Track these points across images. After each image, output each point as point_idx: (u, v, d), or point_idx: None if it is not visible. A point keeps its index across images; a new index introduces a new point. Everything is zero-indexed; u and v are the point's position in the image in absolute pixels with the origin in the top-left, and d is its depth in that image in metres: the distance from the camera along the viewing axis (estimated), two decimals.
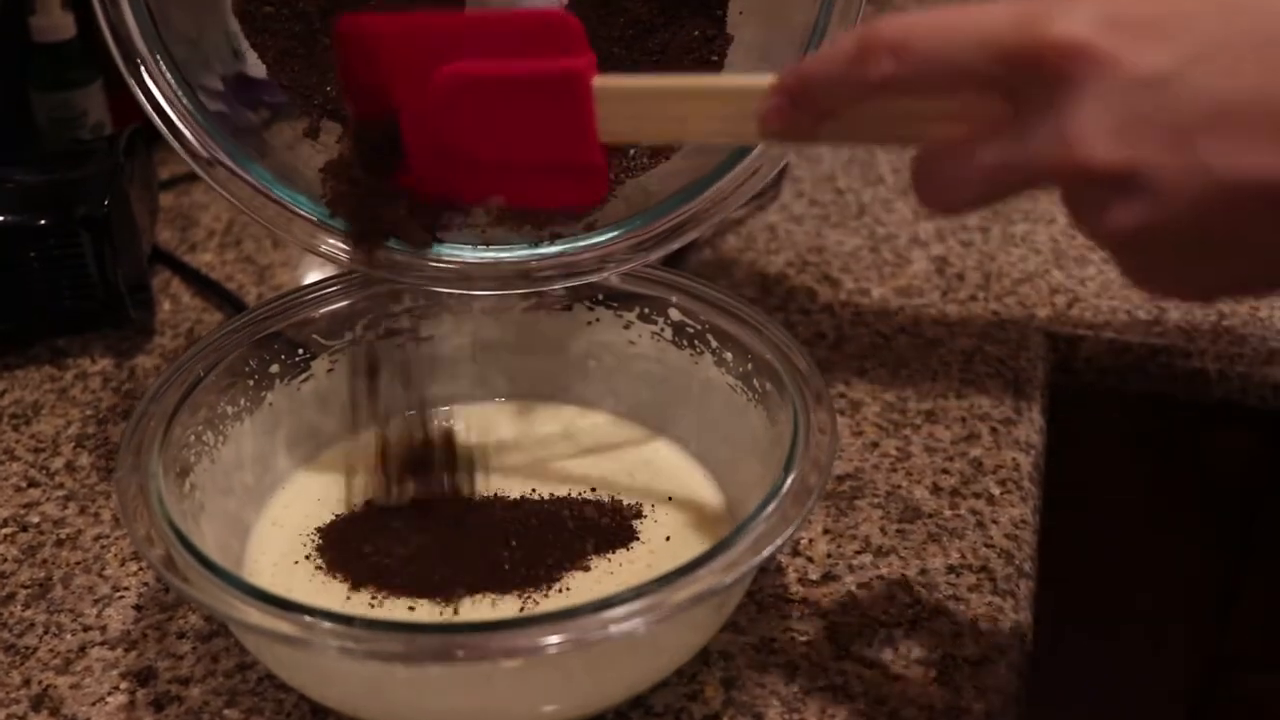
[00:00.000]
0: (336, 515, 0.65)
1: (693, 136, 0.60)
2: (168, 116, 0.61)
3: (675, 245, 0.65)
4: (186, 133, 0.61)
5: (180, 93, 0.61)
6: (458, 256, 0.65)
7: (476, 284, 0.65)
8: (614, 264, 0.65)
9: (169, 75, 0.60)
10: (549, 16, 0.58)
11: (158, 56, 0.60)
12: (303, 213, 0.63)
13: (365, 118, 0.61)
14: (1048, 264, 0.91)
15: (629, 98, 0.56)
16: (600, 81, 0.56)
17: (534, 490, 0.66)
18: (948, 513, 0.70)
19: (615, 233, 0.65)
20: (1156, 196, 0.42)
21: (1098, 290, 0.88)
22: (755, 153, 0.64)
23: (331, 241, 0.63)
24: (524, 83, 0.57)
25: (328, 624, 0.50)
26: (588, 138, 0.57)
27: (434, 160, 0.59)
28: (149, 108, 0.61)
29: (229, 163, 0.62)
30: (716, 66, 0.65)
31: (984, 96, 0.46)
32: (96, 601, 0.66)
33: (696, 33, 0.65)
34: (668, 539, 0.63)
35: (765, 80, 0.51)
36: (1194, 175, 0.42)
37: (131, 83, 0.60)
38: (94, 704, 0.60)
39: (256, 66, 0.63)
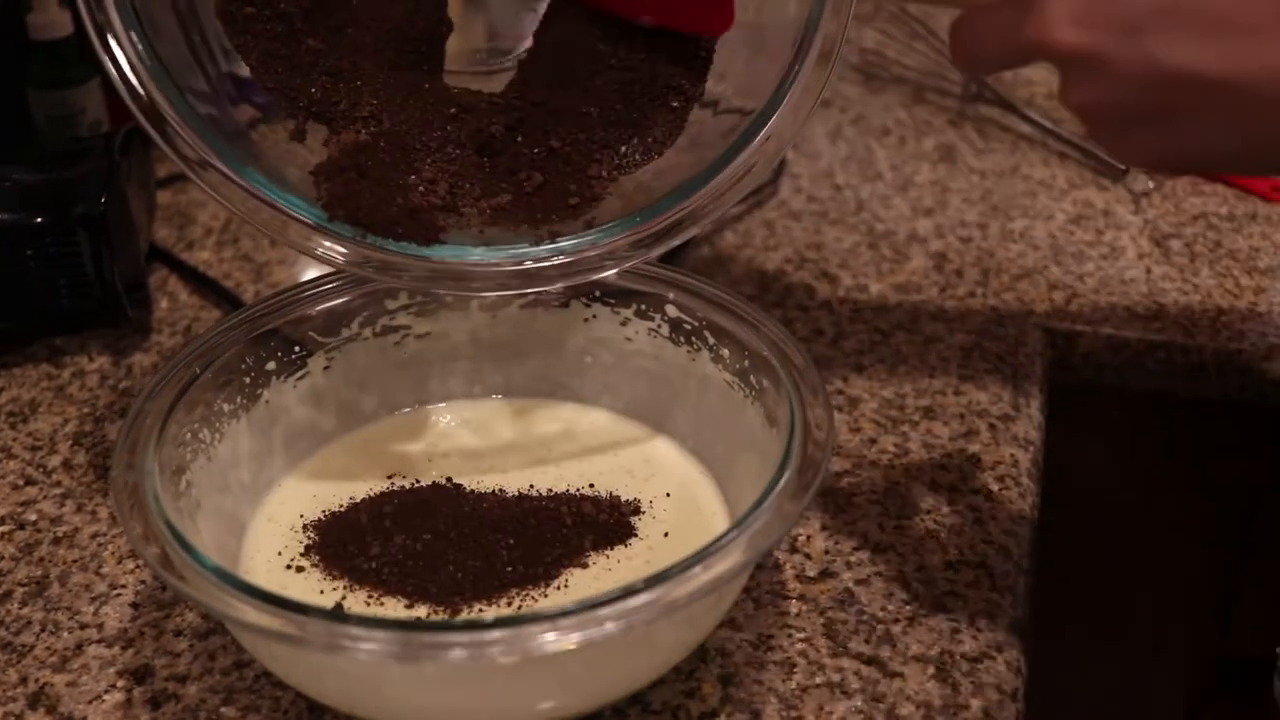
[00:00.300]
0: (333, 512, 0.65)
1: None
2: (158, 118, 0.61)
3: (676, 241, 0.65)
4: (177, 135, 0.61)
5: (170, 94, 0.60)
6: (458, 257, 0.64)
7: (476, 284, 0.65)
8: (615, 261, 0.65)
9: (158, 76, 0.60)
10: None
11: (144, 54, 0.60)
12: (297, 215, 0.63)
13: None
14: (1046, 260, 0.91)
15: None
16: None
17: (531, 487, 0.66)
18: (946, 509, 0.70)
19: (615, 230, 0.65)
20: (1108, 78, 0.51)
21: (1096, 286, 0.88)
22: (751, 148, 0.64)
23: (327, 244, 0.63)
24: None
25: (323, 622, 0.50)
26: None
27: None
28: (137, 110, 0.60)
29: (221, 166, 0.61)
30: (705, 63, 0.65)
31: None
32: (93, 599, 0.66)
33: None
34: (666, 535, 0.63)
35: None
36: (1140, 62, 0.50)
37: (119, 84, 0.60)
38: (91, 702, 0.60)
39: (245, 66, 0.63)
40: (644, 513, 0.65)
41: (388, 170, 0.60)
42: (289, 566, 0.62)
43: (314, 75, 0.63)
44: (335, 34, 0.62)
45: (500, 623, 0.51)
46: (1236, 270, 0.90)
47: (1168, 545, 0.97)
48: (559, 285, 0.66)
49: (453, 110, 0.63)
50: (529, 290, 0.68)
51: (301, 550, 0.63)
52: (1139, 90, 0.51)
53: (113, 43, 0.59)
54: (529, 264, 0.65)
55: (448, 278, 0.65)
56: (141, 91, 0.60)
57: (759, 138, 0.63)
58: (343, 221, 0.61)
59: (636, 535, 0.63)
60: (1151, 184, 1.00)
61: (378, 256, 0.63)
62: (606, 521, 0.64)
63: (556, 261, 0.64)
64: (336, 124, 0.62)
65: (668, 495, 0.66)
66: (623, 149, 0.65)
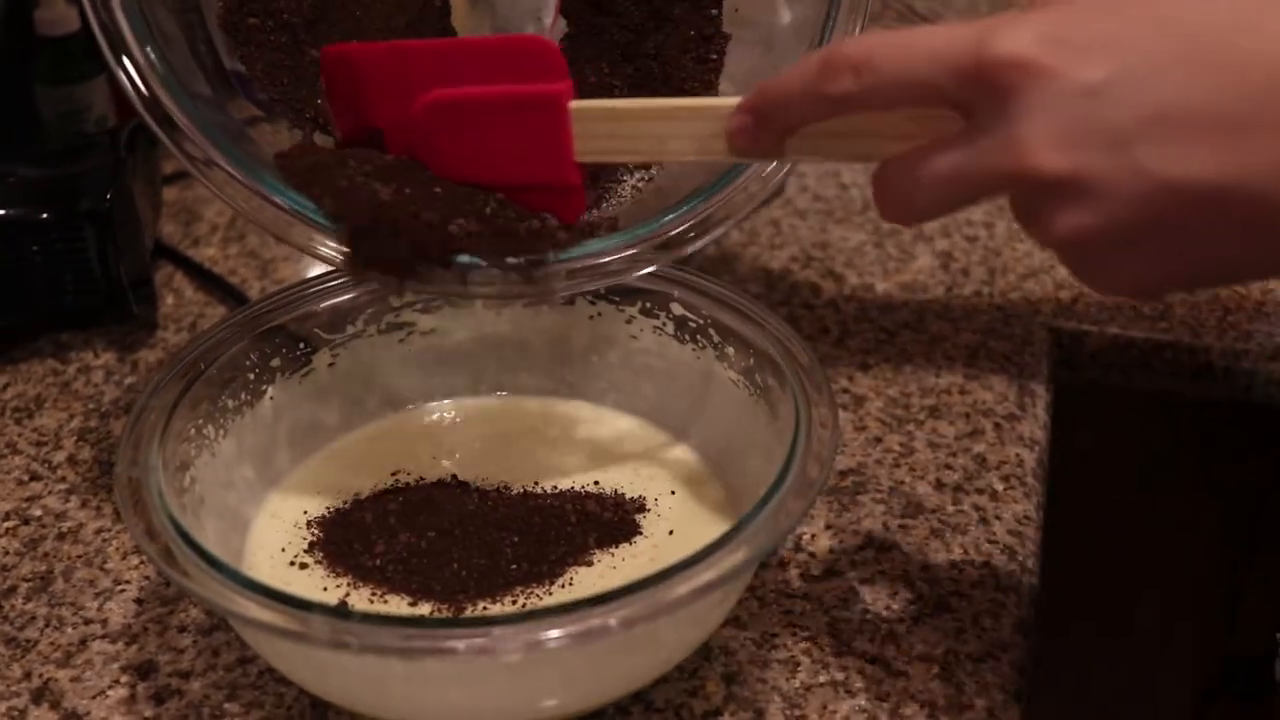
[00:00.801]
0: (337, 509, 0.65)
1: (668, 156, 0.61)
2: (164, 119, 0.61)
3: (692, 248, 0.64)
4: (183, 136, 0.61)
5: (175, 95, 0.60)
6: (477, 263, 0.63)
7: (484, 289, 0.64)
8: (631, 265, 0.64)
9: (162, 75, 0.60)
10: (527, 41, 0.61)
11: (150, 55, 0.59)
12: (301, 215, 0.62)
13: (350, 140, 0.62)
14: (1052, 259, 0.91)
15: (605, 118, 0.58)
16: (577, 104, 0.58)
17: (536, 484, 0.66)
18: (951, 508, 0.70)
19: (629, 235, 0.64)
20: (1099, 200, 0.45)
21: None
22: None
23: (330, 244, 0.63)
24: (503, 105, 0.58)
25: (327, 619, 0.50)
26: (565, 159, 0.59)
27: None
28: (142, 107, 0.60)
29: (225, 165, 0.61)
30: (717, 66, 0.65)
31: (939, 112, 0.49)
32: (98, 595, 0.66)
33: (693, 32, 0.65)
34: (671, 533, 0.63)
35: (734, 101, 0.54)
36: (1132, 178, 0.45)
37: (124, 82, 0.60)
38: (94, 697, 0.60)
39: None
40: (649, 510, 0.65)
41: (415, 224, 0.59)
42: (292, 563, 0.62)
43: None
44: None
45: (504, 620, 0.51)
46: None
47: (1174, 545, 0.97)
48: (567, 291, 0.65)
49: None
50: (536, 294, 0.67)
51: (305, 547, 0.63)
52: (1134, 210, 0.45)
53: (118, 41, 0.59)
54: (553, 270, 0.64)
55: (454, 282, 0.64)
56: (146, 91, 0.60)
57: None
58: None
59: (641, 533, 0.63)
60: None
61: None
62: (611, 519, 0.63)
63: (567, 265, 0.64)
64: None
65: (672, 493, 0.66)
66: (619, 169, 0.64)
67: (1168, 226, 0.46)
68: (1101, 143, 0.45)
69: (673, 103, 0.60)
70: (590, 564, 0.61)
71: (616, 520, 0.64)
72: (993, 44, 0.46)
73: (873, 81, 0.48)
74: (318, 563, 0.62)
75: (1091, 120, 0.45)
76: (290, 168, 0.60)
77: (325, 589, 0.60)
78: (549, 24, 0.65)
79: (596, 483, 0.66)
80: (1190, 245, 0.46)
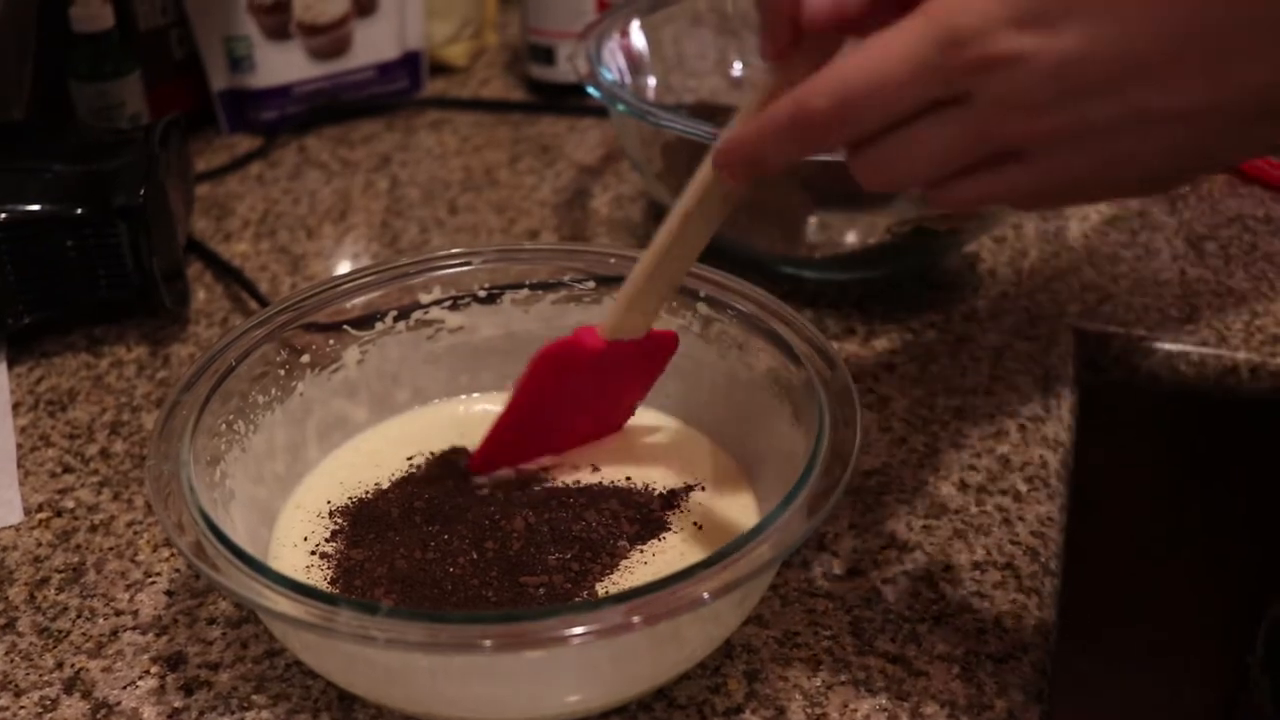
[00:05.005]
0: (361, 499, 0.66)
1: (699, 251, 0.62)
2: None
3: None
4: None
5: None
6: None
7: None
8: None
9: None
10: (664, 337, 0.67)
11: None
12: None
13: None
14: (1079, 261, 0.91)
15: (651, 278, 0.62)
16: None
17: (563, 479, 0.66)
18: (974, 509, 0.70)
19: None
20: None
21: (1130, 287, 0.88)
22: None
23: None
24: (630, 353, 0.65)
25: (354, 613, 0.51)
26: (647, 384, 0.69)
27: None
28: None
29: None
30: None
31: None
32: (129, 587, 0.67)
33: None
34: (699, 527, 0.63)
35: (707, 169, 0.57)
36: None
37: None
38: (125, 687, 0.61)
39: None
40: (677, 507, 0.65)
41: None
42: (314, 553, 0.62)
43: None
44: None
45: (529, 616, 0.52)
46: (1271, 273, 0.90)
47: (1198, 548, 0.97)
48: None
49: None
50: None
51: (327, 536, 0.63)
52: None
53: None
54: None
55: None
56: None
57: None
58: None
59: (670, 529, 0.63)
60: (1187, 186, 1.00)
61: None
62: (641, 515, 0.64)
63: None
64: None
65: (702, 489, 0.66)
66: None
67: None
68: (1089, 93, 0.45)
69: (674, 221, 0.60)
70: (620, 559, 0.61)
71: (646, 516, 0.64)
72: (966, 48, 0.45)
73: (857, 116, 0.48)
74: (337, 552, 0.62)
75: (1076, 83, 0.45)
76: None
77: (342, 581, 0.61)
78: None
79: (629, 478, 0.67)
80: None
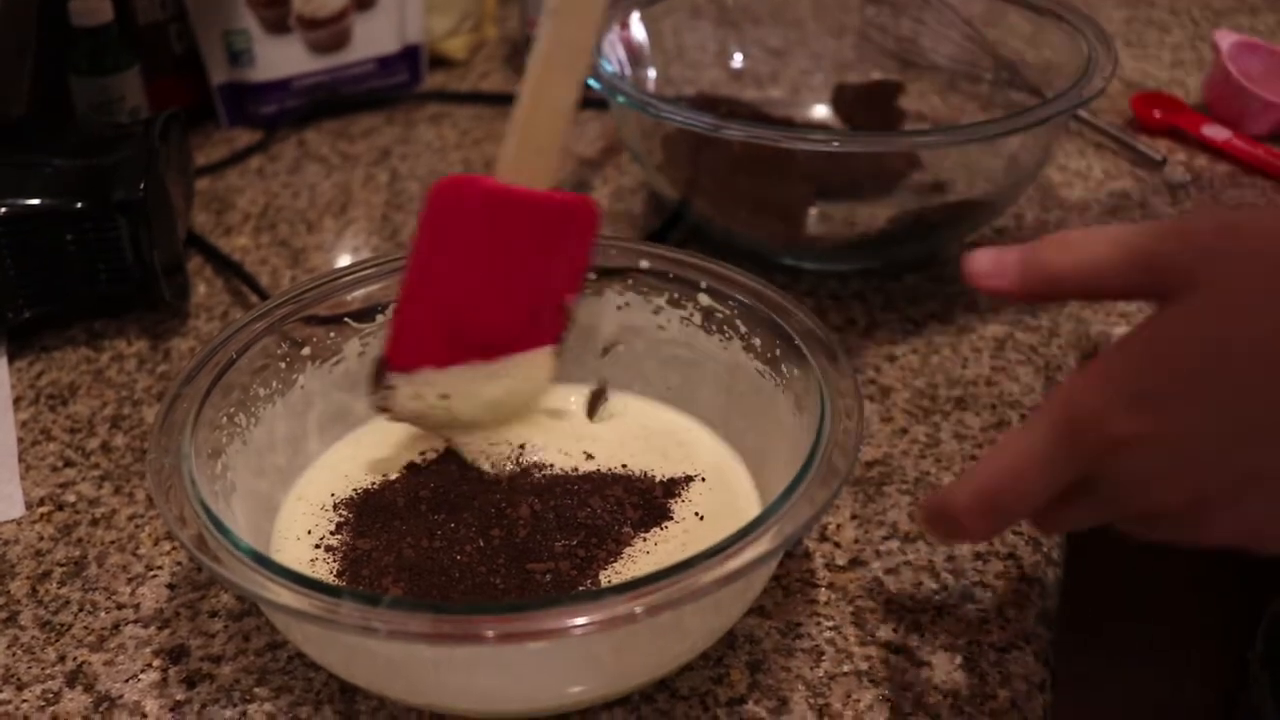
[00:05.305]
0: (364, 490, 0.66)
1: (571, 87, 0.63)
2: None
3: None
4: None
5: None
6: None
7: None
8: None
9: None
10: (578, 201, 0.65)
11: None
12: None
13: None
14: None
15: None
16: None
17: (563, 469, 0.66)
18: None
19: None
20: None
21: None
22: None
23: None
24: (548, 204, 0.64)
25: (356, 604, 0.51)
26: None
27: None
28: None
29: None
30: None
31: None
32: (130, 580, 0.67)
33: None
34: (701, 517, 0.63)
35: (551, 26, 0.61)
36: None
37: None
38: (127, 681, 0.61)
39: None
40: (679, 495, 0.65)
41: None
42: (318, 546, 0.63)
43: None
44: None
45: (531, 606, 0.52)
46: None
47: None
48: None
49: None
50: None
51: (331, 529, 0.63)
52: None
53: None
54: None
55: None
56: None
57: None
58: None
59: (672, 518, 0.63)
60: (1189, 176, 1.00)
61: None
62: (644, 502, 0.64)
63: None
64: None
65: (703, 479, 0.66)
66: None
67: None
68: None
69: None
70: (624, 546, 0.61)
71: (649, 503, 0.64)
72: (1088, 438, 0.48)
73: (999, 515, 0.51)
74: (343, 544, 0.62)
75: (1189, 456, 0.47)
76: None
77: (349, 572, 0.61)
78: None
79: (624, 465, 0.67)
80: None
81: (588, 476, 0.65)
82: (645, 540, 0.62)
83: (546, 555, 0.60)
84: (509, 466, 0.66)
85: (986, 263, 0.55)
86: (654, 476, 0.66)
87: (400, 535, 0.62)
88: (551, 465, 0.66)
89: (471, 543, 0.61)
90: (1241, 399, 0.46)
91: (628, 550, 0.61)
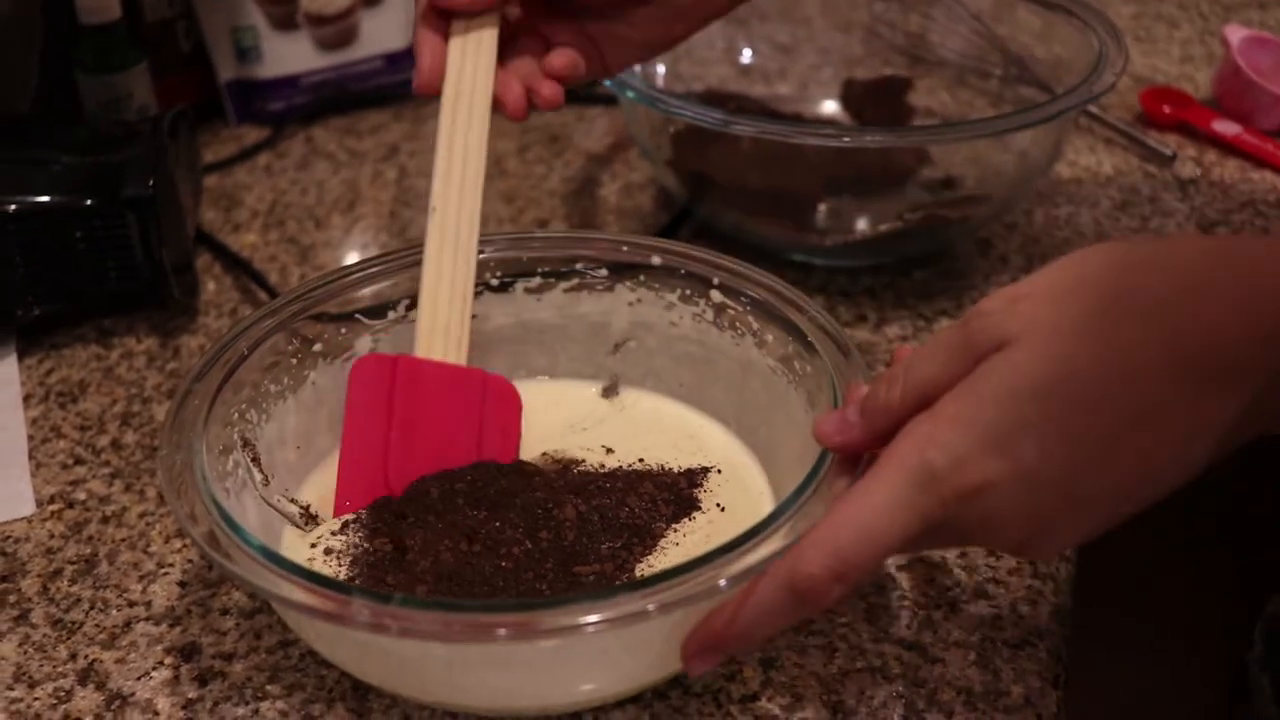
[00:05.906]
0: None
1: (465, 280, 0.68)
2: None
3: None
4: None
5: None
6: None
7: None
8: None
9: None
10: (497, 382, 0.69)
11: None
12: None
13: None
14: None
15: None
16: None
17: (593, 465, 0.66)
18: None
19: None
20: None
21: None
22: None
23: None
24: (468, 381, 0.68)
25: (368, 602, 0.51)
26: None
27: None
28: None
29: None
30: None
31: None
32: (142, 578, 0.67)
33: None
34: (722, 508, 0.63)
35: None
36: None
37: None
38: (139, 678, 0.61)
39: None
40: (701, 485, 0.65)
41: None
42: (322, 547, 0.62)
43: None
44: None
45: (542, 604, 0.51)
46: None
47: (1199, 546, 0.96)
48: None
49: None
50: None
51: (336, 529, 0.63)
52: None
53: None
54: None
55: None
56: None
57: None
58: None
59: (700, 508, 0.63)
60: (1199, 170, 0.99)
61: None
62: (674, 496, 0.63)
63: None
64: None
65: (719, 472, 0.66)
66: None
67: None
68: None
69: None
70: (658, 540, 0.61)
71: (678, 495, 0.64)
72: (945, 508, 0.49)
73: (855, 578, 0.50)
74: (350, 544, 0.62)
75: (1036, 492, 0.49)
76: None
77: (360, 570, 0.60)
78: None
79: (641, 460, 0.67)
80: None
81: (615, 474, 0.65)
82: (675, 531, 0.62)
83: (594, 558, 0.60)
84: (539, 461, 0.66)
85: (831, 425, 0.56)
86: (672, 469, 0.66)
87: (438, 536, 0.60)
88: (583, 461, 0.66)
89: (519, 545, 0.60)
90: (1079, 429, 0.48)
91: (661, 543, 0.61)
